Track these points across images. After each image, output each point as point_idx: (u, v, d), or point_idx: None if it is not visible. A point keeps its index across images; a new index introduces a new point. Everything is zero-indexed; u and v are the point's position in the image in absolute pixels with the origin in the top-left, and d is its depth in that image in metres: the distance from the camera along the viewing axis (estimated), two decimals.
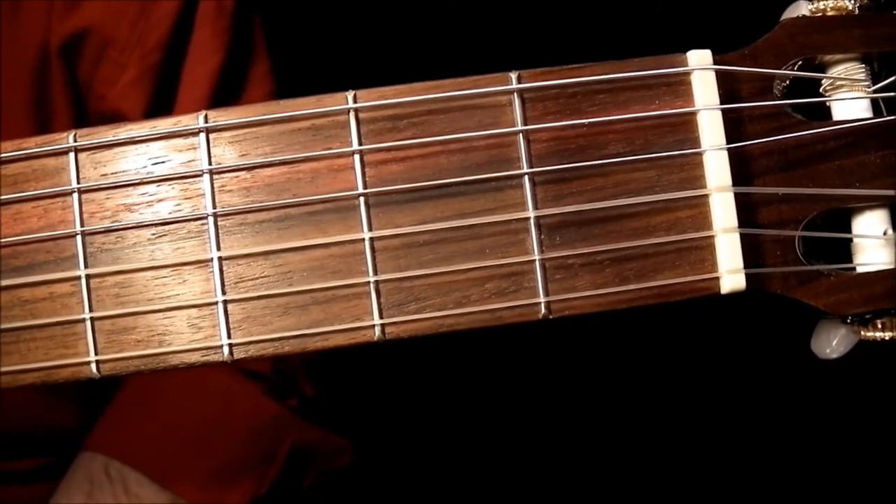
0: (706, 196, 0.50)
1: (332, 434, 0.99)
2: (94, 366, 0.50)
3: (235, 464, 0.94)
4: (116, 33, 0.91)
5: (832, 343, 0.54)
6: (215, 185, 0.50)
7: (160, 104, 0.92)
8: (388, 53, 1.38)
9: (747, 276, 0.49)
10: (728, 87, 0.50)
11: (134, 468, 0.92)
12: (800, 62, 0.52)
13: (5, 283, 0.51)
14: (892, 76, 0.52)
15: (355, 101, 0.49)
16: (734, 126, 0.50)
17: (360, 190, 0.49)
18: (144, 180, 0.50)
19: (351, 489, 1.05)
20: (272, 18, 1.00)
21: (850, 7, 0.52)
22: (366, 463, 1.05)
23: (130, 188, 0.50)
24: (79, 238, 0.50)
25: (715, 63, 0.50)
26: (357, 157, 0.49)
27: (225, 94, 0.94)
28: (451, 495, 1.44)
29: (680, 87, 0.50)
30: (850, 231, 0.52)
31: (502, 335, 0.51)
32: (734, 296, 0.50)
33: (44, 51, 0.90)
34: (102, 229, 0.50)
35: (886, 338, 0.52)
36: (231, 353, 0.50)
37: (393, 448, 1.43)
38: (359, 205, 0.49)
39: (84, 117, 0.93)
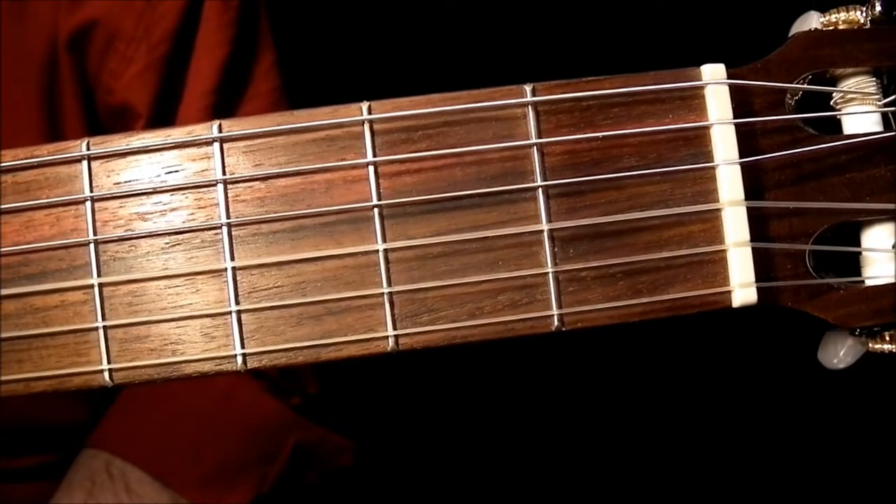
0: (719, 210, 0.50)
1: (334, 434, 1.00)
2: (106, 374, 0.51)
3: (237, 462, 0.94)
4: (123, 26, 0.91)
5: (839, 354, 0.54)
6: (229, 195, 0.50)
7: (167, 97, 0.93)
8: (394, 52, 1.37)
9: (759, 289, 0.50)
10: (741, 101, 0.50)
11: (135, 466, 0.92)
12: (810, 76, 0.52)
13: (18, 290, 0.51)
14: None
15: (370, 113, 0.49)
16: (747, 140, 0.50)
17: (375, 201, 0.49)
18: (158, 189, 0.50)
19: (352, 488, 1.05)
20: (278, 16, 0.99)
21: (862, 21, 0.52)
22: (368, 462, 1.05)
23: (144, 197, 0.50)
24: (91, 246, 0.50)
25: (728, 77, 0.50)
26: (371, 168, 0.49)
27: (231, 87, 0.94)
28: (453, 496, 1.44)
29: (694, 100, 0.50)
30: (859, 244, 0.53)
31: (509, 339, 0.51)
32: (744, 309, 0.51)
33: (52, 46, 0.90)
34: (115, 238, 0.50)
35: (894, 350, 0.52)
36: (244, 362, 0.50)
37: (395, 448, 1.43)
38: (373, 216, 0.49)
39: (93, 111, 0.93)
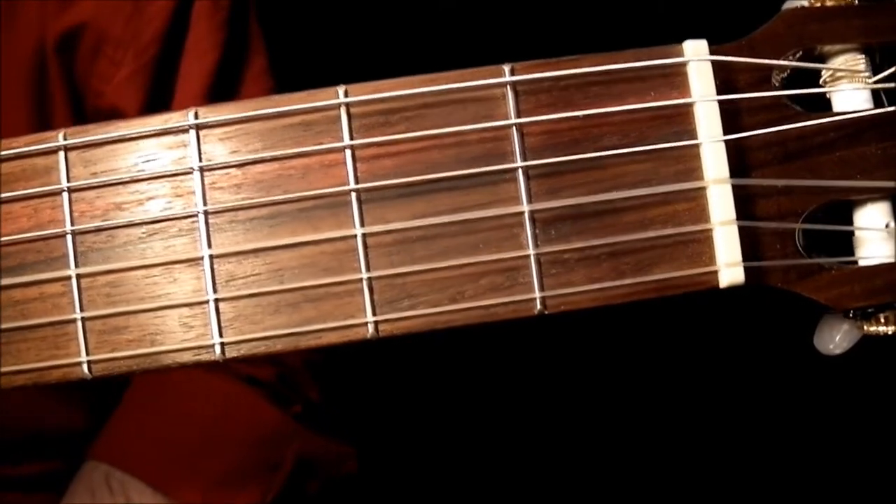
0: (703, 188, 0.49)
1: (336, 442, 0.99)
2: (85, 366, 0.50)
3: (239, 473, 0.94)
4: (111, 29, 0.91)
5: (835, 339, 0.53)
6: (206, 183, 0.49)
7: (157, 101, 0.92)
8: (384, 49, 1.37)
9: (746, 269, 0.49)
10: (725, 78, 0.50)
11: (136, 477, 0.91)
12: (799, 53, 0.51)
13: None
14: (892, 67, 0.51)
15: (346, 96, 0.49)
16: (732, 117, 0.49)
17: (352, 185, 0.48)
18: (135, 178, 0.50)
19: (355, 495, 1.04)
20: (268, 17, 0.99)
21: None
22: (370, 469, 1.04)
23: (121, 186, 0.50)
24: (69, 237, 0.50)
25: (711, 54, 0.49)
26: (348, 152, 0.49)
27: (222, 91, 0.93)
28: (454, 500, 1.43)
29: (676, 78, 0.49)
30: (851, 224, 0.52)
31: (507, 338, 0.50)
32: (734, 290, 0.49)
33: (40, 50, 0.90)
34: (93, 228, 0.50)
35: (889, 332, 0.51)
36: (223, 352, 0.49)
37: (397, 453, 1.42)
38: (350, 200, 0.48)
39: (83, 115, 0.93)
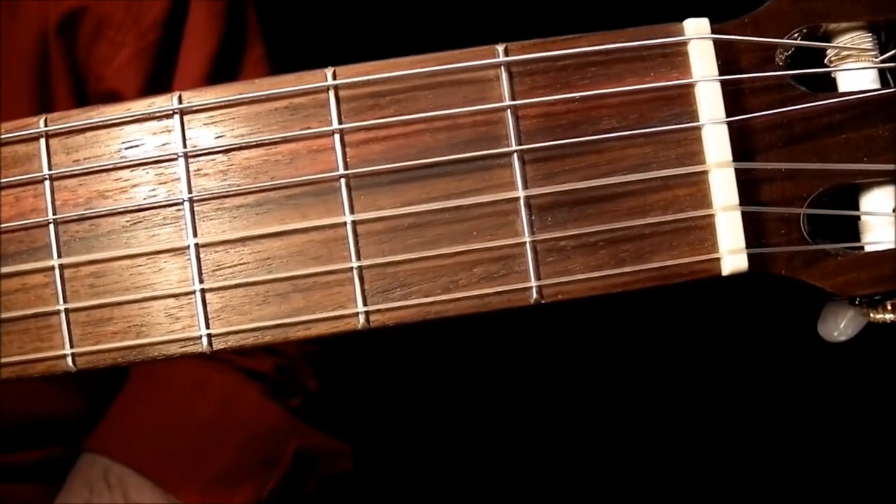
0: (705, 172, 0.47)
1: (333, 439, 0.98)
2: (69, 359, 0.49)
3: (237, 468, 0.93)
4: (112, 12, 0.91)
5: (840, 326, 0.52)
6: (191, 169, 0.48)
7: (156, 85, 0.93)
8: (382, 40, 1.36)
9: (750, 256, 0.47)
10: (727, 58, 0.48)
11: (135, 470, 0.90)
12: (804, 31, 0.49)
13: None
14: None
15: (335, 78, 0.47)
16: (734, 98, 0.48)
17: (341, 171, 0.47)
18: (118, 165, 0.48)
19: (351, 492, 1.04)
20: (265, 9, 0.99)
21: None
22: (366, 465, 1.04)
23: (104, 174, 0.48)
24: (51, 227, 0.48)
25: (713, 32, 0.48)
26: (337, 136, 0.47)
27: (221, 78, 0.94)
28: (452, 498, 1.42)
29: (676, 57, 0.47)
30: (857, 208, 0.50)
31: (504, 330, 0.49)
32: (737, 278, 0.48)
33: (43, 33, 0.91)
34: (76, 217, 0.48)
35: None
36: (210, 343, 0.48)
37: (393, 450, 1.41)
38: (340, 187, 0.47)
39: (85, 100, 0.94)
